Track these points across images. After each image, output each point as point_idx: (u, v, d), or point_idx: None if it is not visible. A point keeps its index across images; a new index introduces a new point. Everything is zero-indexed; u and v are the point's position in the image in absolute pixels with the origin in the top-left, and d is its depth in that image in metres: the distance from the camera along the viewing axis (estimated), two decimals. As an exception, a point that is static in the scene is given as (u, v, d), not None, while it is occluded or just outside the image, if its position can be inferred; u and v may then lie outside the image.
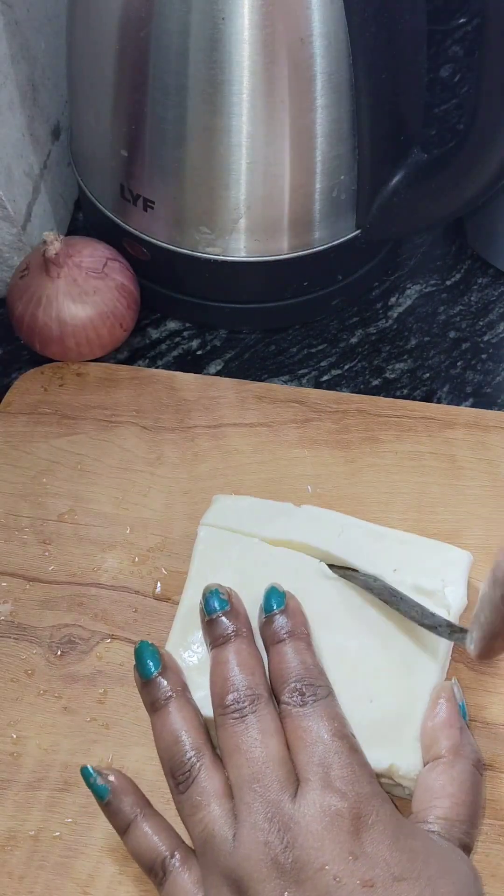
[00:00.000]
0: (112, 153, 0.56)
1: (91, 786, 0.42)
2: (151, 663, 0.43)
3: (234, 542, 0.49)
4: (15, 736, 0.47)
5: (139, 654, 0.43)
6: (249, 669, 0.42)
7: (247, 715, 0.40)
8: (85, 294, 0.56)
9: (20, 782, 0.46)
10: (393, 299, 0.64)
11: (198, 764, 0.40)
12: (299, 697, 0.41)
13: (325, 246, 0.58)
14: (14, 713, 0.48)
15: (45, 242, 0.55)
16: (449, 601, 0.46)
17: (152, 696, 0.42)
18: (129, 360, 0.61)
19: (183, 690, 0.42)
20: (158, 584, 0.51)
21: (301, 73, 0.50)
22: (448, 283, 0.65)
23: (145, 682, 0.43)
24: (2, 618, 0.50)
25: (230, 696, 0.41)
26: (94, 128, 0.57)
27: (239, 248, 0.56)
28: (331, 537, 0.48)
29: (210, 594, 0.44)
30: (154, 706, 0.42)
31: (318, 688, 0.41)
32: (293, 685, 0.41)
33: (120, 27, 0.51)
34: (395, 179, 0.57)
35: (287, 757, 0.39)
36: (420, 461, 0.55)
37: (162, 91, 0.51)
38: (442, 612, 0.45)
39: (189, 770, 0.40)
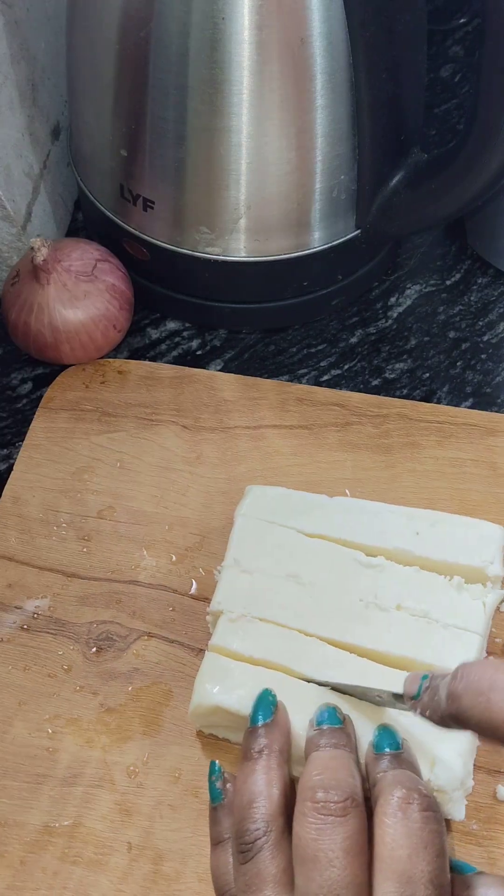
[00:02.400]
0: (112, 153, 0.56)
1: (210, 783, 0.41)
2: (262, 715, 0.42)
3: (269, 531, 0.49)
4: (51, 731, 0.47)
5: (257, 701, 0.43)
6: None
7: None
8: (76, 299, 0.56)
9: (56, 777, 0.46)
10: (393, 299, 0.64)
11: (262, 840, 0.38)
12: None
13: (325, 246, 0.58)
14: (51, 708, 0.48)
15: (32, 249, 0.55)
16: (490, 577, 0.47)
17: (248, 744, 0.41)
18: (129, 360, 0.61)
19: (280, 750, 0.41)
20: (194, 584, 0.51)
21: (301, 73, 0.50)
22: (448, 283, 0.65)
23: (249, 730, 0.42)
24: (40, 613, 0.51)
25: (321, 794, 0.38)
26: (94, 128, 0.57)
27: (239, 248, 0.56)
28: (365, 529, 0.49)
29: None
30: (245, 755, 0.41)
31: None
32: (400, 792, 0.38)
33: (120, 27, 0.51)
34: (395, 179, 0.57)
35: (366, 882, 0.36)
36: (461, 468, 0.55)
37: (162, 91, 0.51)
38: (477, 589, 0.46)
39: (252, 843, 0.38)
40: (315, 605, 0.47)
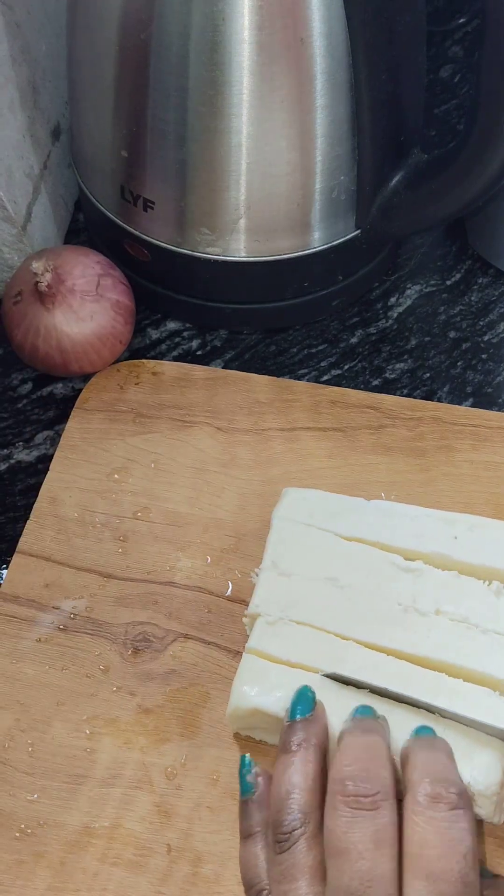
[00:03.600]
0: (112, 154, 0.56)
1: (241, 776, 0.42)
2: (300, 709, 0.42)
3: (306, 534, 0.49)
4: (89, 731, 0.47)
5: (297, 696, 0.42)
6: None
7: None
8: (82, 321, 0.56)
9: (94, 778, 0.46)
10: (393, 299, 0.64)
11: (299, 831, 0.38)
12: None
13: (325, 246, 0.58)
14: (89, 709, 0.48)
15: (34, 274, 0.54)
16: None
17: (286, 738, 0.41)
18: (129, 360, 0.61)
19: (318, 744, 0.41)
20: (230, 586, 0.51)
21: (301, 73, 0.50)
22: (448, 283, 0.65)
23: (287, 724, 0.42)
24: (78, 613, 0.51)
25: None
26: (95, 129, 0.57)
27: (239, 248, 0.56)
28: (402, 533, 0.49)
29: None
30: (284, 748, 0.41)
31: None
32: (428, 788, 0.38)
33: (120, 28, 0.51)
34: (395, 180, 0.57)
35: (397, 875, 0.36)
36: (497, 472, 0.55)
37: (162, 92, 0.51)
38: None
39: (290, 834, 0.38)
40: (353, 609, 0.46)
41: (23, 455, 0.58)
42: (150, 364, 0.60)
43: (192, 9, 0.48)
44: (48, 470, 0.56)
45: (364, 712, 0.42)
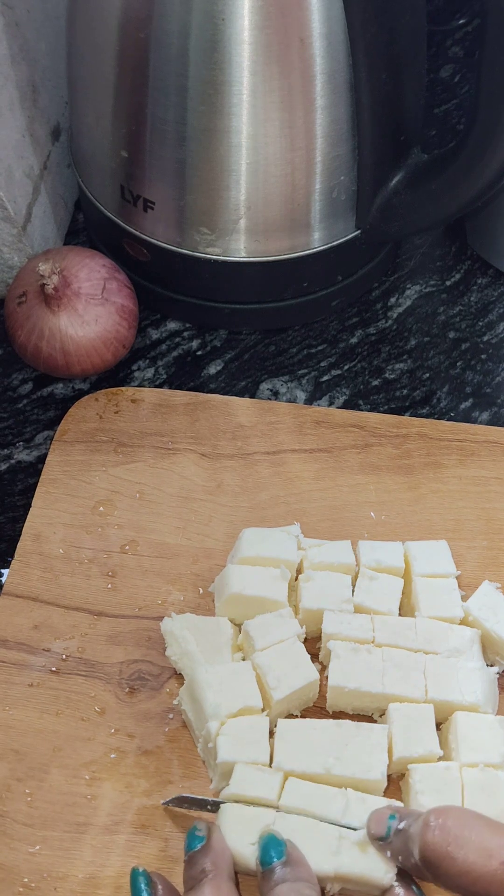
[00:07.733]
0: (112, 154, 0.56)
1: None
2: (196, 839, 0.40)
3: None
4: (88, 777, 0.45)
5: (188, 834, 0.41)
6: None
7: None
8: (87, 324, 0.56)
9: (97, 825, 0.44)
10: (393, 300, 0.64)
11: None
12: None
13: (325, 246, 0.58)
14: (87, 753, 0.46)
15: (41, 277, 0.54)
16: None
17: (188, 873, 0.40)
18: (130, 361, 0.61)
19: (217, 873, 0.39)
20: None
21: (301, 73, 0.50)
22: (448, 283, 0.65)
23: (186, 858, 0.40)
24: (70, 654, 0.49)
25: None
26: (95, 129, 0.57)
27: (239, 248, 0.56)
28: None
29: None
30: (187, 883, 0.39)
31: None
32: None
33: (120, 28, 0.51)
34: (395, 180, 0.57)
35: None
36: (485, 486, 0.54)
37: (162, 92, 0.51)
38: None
39: None
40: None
41: (23, 455, 0.58)
42: (129, 391, 0.58)
43: (192, 8, 0.48)
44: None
45: (276, 851, 0.39)
